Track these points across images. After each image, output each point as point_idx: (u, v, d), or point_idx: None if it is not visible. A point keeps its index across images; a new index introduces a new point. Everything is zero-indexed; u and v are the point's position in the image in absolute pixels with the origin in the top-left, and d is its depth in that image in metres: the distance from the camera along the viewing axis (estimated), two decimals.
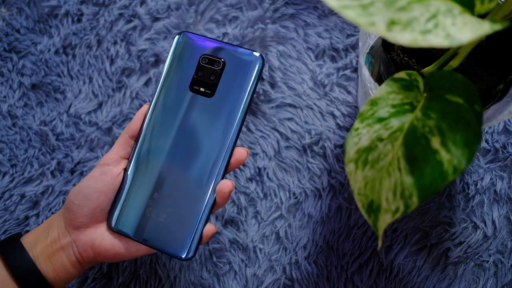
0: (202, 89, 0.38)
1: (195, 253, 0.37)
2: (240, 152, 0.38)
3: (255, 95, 0.51)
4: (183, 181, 0.38)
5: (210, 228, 0.37)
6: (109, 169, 0.38)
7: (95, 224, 0.38)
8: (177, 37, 0.40)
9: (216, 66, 0.38)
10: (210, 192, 0.37)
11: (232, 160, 0.38)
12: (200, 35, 0.40)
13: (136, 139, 0.39)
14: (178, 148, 0.38)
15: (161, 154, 0.38)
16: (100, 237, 0.38)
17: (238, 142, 0.50)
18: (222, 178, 0.38)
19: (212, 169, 0.38)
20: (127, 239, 0.38)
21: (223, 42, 0.39)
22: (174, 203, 0.38)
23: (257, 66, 0.38)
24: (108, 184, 0.38)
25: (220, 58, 0.38)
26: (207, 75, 0.38)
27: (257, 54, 0.38)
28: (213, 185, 0.37)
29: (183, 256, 0.37)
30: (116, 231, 0.38)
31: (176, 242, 0.37)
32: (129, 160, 0.39)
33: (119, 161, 0.39)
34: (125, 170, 0.39)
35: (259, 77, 0.38)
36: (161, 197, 0.38)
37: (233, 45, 0.39)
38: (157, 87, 0.39)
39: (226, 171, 0.38)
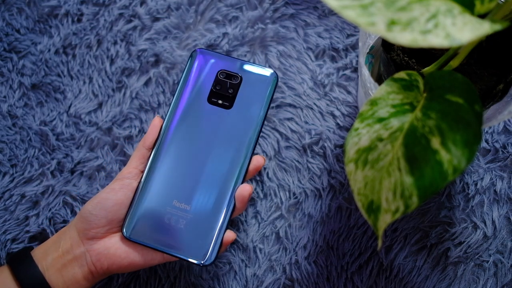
0: (220, 101, 0.40)
1: (216, 259, 0.38)
2: (258, 160, 0.40)
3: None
4: (203, 188, 0.39)
5: (230, 235, 0.38)
6: (129, 183, 0.38)
7: (109, 234, 0.38)
8: (192, 54, 0.42)
9: (233, 80, 0.40)
10: (230, 199, 0.38)
11: (251, 167, 0.39)
12: (214, 51, 0.42)
13: (152, 149, 0.40)
14: (197, 156, 0.39)
15: (179, 162, 0.39)
16: (115, 246, 0.37)
17: None
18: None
19: (232, 176, 0.39)
20: (142, 247, 0.38)
21: (239, 59, 0.41)
22: (194, 210, 0.38)
23: (272, 82, 0.41)
24: (128, 197, 0.38)
25: (237, 73, 0.40)
26: (225, 88, 0.40)
27: (271, 70, 0.41)
28: (232, 191, 0.39)
29: (205, 263, 0.37)
30: (133, 240, 0.38)
31: (196, 249, 0.38)
32: (144, 169, 0.39)
33: (139, 175, 0.39)
34: (140, 179, 0.39)
35: (274, 92, 0.41)
36: (181, 204, 0.38)
37: (249, 62, 0.41)
38: (173, 99, 0.41)
39: (245, 178, 0.39)
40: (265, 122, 0.51)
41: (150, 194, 0.39)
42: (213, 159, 0.39)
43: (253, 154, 0.40)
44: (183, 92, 0.41)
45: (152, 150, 0.39)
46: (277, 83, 0.41)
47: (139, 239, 0.38)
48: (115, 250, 0.37)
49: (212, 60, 0.41)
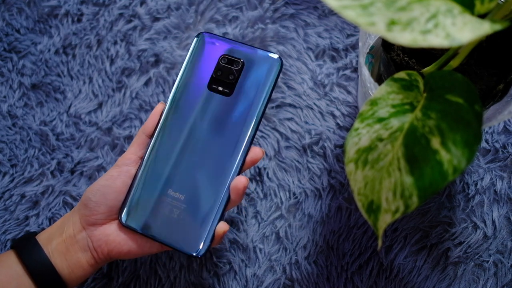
0: (220, 88, 0.39)
1: (207, 250, 0.37)
2: (256, 152, 0.38)
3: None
4: (198, 178, 0.38)
5: (222, 226, 0.37)
6: (128, 170, 0.38)
7: (110, 221, 0.38)
8: (196, 38, 0.40)
9: (235, 66, 0.39)
10: (225, 189, 0.37)
11: (248, 158, 0.38)
12: (219, 35, 0.40)
13: (151, 136, 0.39)
14: (194, 145, 0.38)
15: (176, 150, 0.39)
16: (115, 233, 0.38)
17: None
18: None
19: (228, 167, 0.38)
20: (139, 235, 0.38)
21: (243, 43, 0.39)
22: (188, 200, 0.38)
23: (276, 68, 0.39)
24: (127, 184, 0.38)
25: (239, 59, 0.39)
26: (225, 75, 0.39)
27: (276, 56, 0.39)
28: (228, 182, 0.37)
29: (194, 254, 0.37)
30: (126, 227, 0.38)
31: (188, 239, 0.37)
32: (143, 156, 0.39)
33: (137, 162, 0.39)
34: (139, 166, 0.39)
35: (277, 79, 0.39)
36: (175, 193, 0.38)
37: (253, 46, 0.40)
38: (174, 85, 0.40)
39: (241, 169, 0.38)
40: (265, 122, 0.51)
41: (147, 182, 0.38)
42: (210, 148, 0.38)
43: (251, 144, 0.38)
44: (185, 77, 0.40)
45: (152, 136, 0.39)
46: (281, 68, 0.39)
47: (134, 226, 0.38)
48: (114, 237, 0.38)
49: (215, 44, 0.40)
